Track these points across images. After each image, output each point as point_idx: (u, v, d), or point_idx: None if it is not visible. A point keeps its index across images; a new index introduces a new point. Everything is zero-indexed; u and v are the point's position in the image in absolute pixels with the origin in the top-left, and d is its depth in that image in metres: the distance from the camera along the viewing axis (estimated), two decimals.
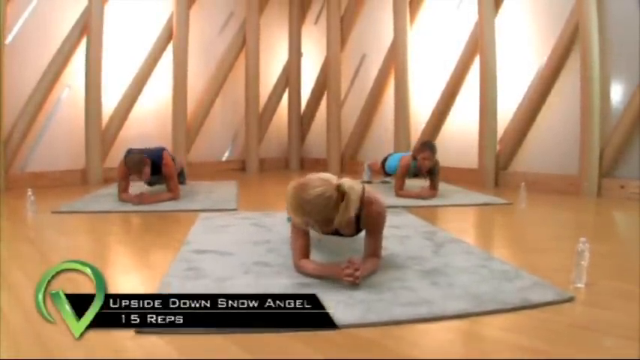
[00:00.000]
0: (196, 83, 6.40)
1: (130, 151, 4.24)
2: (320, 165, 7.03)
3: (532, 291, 2.01)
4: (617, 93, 4.53)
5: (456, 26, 5.69)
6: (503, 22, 5.26)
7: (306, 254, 2.23)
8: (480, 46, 5.30)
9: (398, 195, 4.43)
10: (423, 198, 4.31)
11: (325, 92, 6.93)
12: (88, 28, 5.39)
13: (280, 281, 2.13)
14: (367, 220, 2.20)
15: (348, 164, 6.77)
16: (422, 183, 4.53)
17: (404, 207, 3.98)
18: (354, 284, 2.00)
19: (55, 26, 5.33)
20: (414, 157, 4.37)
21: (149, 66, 6.01)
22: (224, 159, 6.91)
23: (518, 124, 5.14)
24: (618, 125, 4.45)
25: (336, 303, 1.88)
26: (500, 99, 5.22)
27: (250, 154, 6.82)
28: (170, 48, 6.13)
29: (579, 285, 2.08)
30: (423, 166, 4.28)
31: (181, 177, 5.27)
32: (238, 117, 6.89)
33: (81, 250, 2.79)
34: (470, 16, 5.46)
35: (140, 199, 4.09)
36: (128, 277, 2.33)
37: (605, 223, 3.77)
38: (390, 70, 6.22)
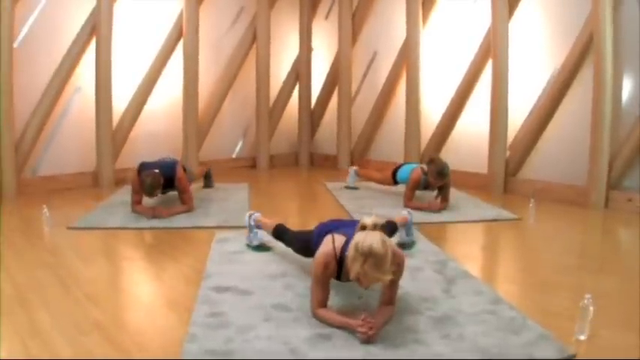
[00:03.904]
0: (207, 80, 6.41)
1: (143, 166, 4.30)
2: (329, 161, 7.10)
3: (536, 346, 2.10)
4: (630, 104, 4.53)
5: (469, 27, 5.65)
6: (517, 26, 5.22)
7: (324, 304, 2.34)
8: (492, 49, 5.28)
9: (407, 206, 4.50)
10: (433, 211, 4.40)
11: (336, 88, 6.94)
12: (97, 28, 5.39)
13: (300, 332, 2.23)
14: None
15: (358, 162, 6.83)
16: (432, 194, 4.62)
17: (414, 224, 4.06)
18: (368, 343, 2.11)
19: (64, 28, 5.32)
20: (425, 173, 4.42)
21: (159, 65, 6.02)
22: (234, 156, 6.98)
23: (529, 131, 5.17)
24: (629, 136, 4.47)
25: None
26: (512, 104, 5.23)
27: (261, 151, 6.89)
28: (180, 46, 6.13)
29: (581, 337, 2.18)
30: (434, 184, 4.36)
31: (208, 180, 5.41)
32: (248, 113, 6.93)
33: (101, 282, 2.85)
34: (483, 17, 5.41)
35: (154, 212, 4.19)
36: (152, 323, 2.38)
37: (611, 247, 3.77)
38: (402, 69, 6.22)
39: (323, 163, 7.26)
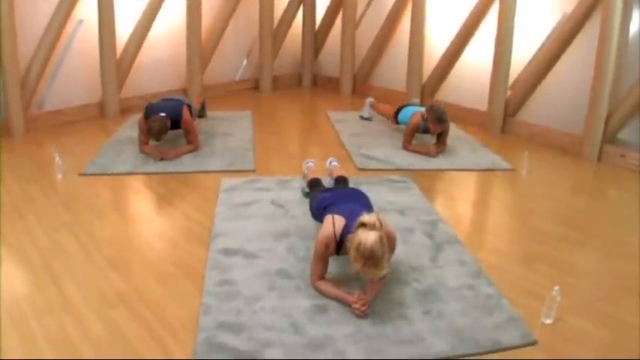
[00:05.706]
0: (210, 3, 6.24)
1: (150, 108, 4.39)
2: (332, 83, 7.11)
3: (504, 331, 2.38)
4: (634, 59, 4.48)
5: None
6: None
7: (323, 277, 2.65)
8: None
9: (406, 149, 4.70)
10: (430, 155, 4.57)
11: (341, 10, 6.74)
12: None
13: (301, 302, 2.55)
14: None
15: (360, 86, 6.85)
16: (430, 138, 4.76)
17: (409, 170, 4.26)
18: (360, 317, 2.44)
19: None
20: (424, 119, 4.53)
21: None
22: (237, 78, 6.97)
23: (532, 73, 5.15)
24: (630, 92, 4.47)
25: (346, 337, 2.32)
26: (518, 44, 5.16)
27: (264, 72, 6.86)
28: None
29: (547, 321, 2.45)
30: (433, 130, 4.49)
31: (203, 111, 5.48)
32: (252, 34, 6.80)
33: (117, 244, 3.04)
34: None
35: (161, 153, 4.35)
36: (169, 292, 2.59)
37: (599, 214, 3.73)
38: None
39: (326, 85, 7.27)
